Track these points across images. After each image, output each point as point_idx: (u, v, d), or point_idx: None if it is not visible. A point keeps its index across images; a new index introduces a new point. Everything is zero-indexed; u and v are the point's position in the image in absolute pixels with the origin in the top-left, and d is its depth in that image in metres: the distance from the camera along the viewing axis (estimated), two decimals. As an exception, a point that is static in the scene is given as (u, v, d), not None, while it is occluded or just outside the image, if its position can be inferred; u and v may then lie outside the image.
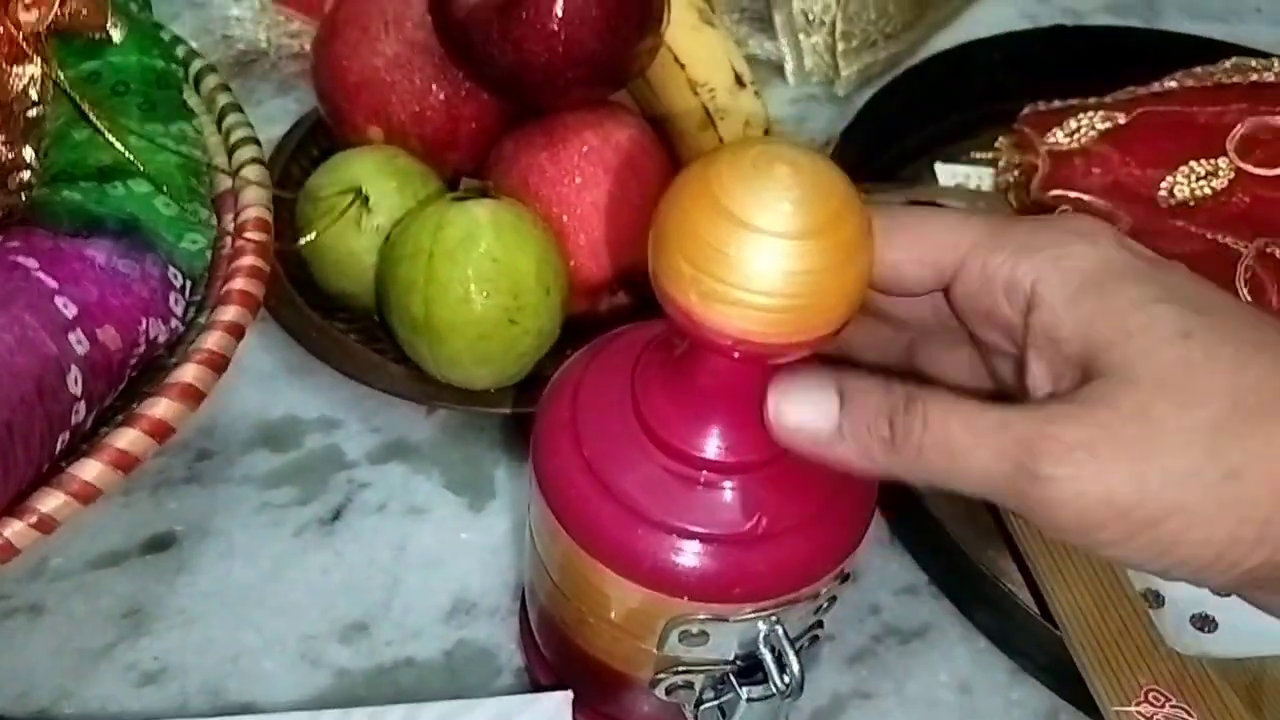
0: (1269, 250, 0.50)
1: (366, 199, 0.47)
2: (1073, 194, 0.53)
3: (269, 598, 0.44)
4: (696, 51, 0.52)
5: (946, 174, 0.61)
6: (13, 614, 0.43)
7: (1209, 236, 0.50)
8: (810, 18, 0.69)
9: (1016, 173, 0.58)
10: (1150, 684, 0.40)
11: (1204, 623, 0.44)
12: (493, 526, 0.48)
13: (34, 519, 0.31)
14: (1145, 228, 0.51)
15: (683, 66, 0.52)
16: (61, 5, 0.33)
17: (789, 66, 0.70)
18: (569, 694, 0.37)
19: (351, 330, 0.51)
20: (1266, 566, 0.25)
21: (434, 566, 0.46)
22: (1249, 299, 0.50)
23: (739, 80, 0.52)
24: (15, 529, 0.31)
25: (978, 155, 0.61)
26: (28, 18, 0.32)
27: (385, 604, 0.45)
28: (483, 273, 0.44)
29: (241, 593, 0.44)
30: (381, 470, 0.49)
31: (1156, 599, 0.44)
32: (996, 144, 0.60)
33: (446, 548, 0.47)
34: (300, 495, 0.48)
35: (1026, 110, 0.59)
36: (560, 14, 0.45)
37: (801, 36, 0.70)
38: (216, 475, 0.48)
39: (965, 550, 0.44)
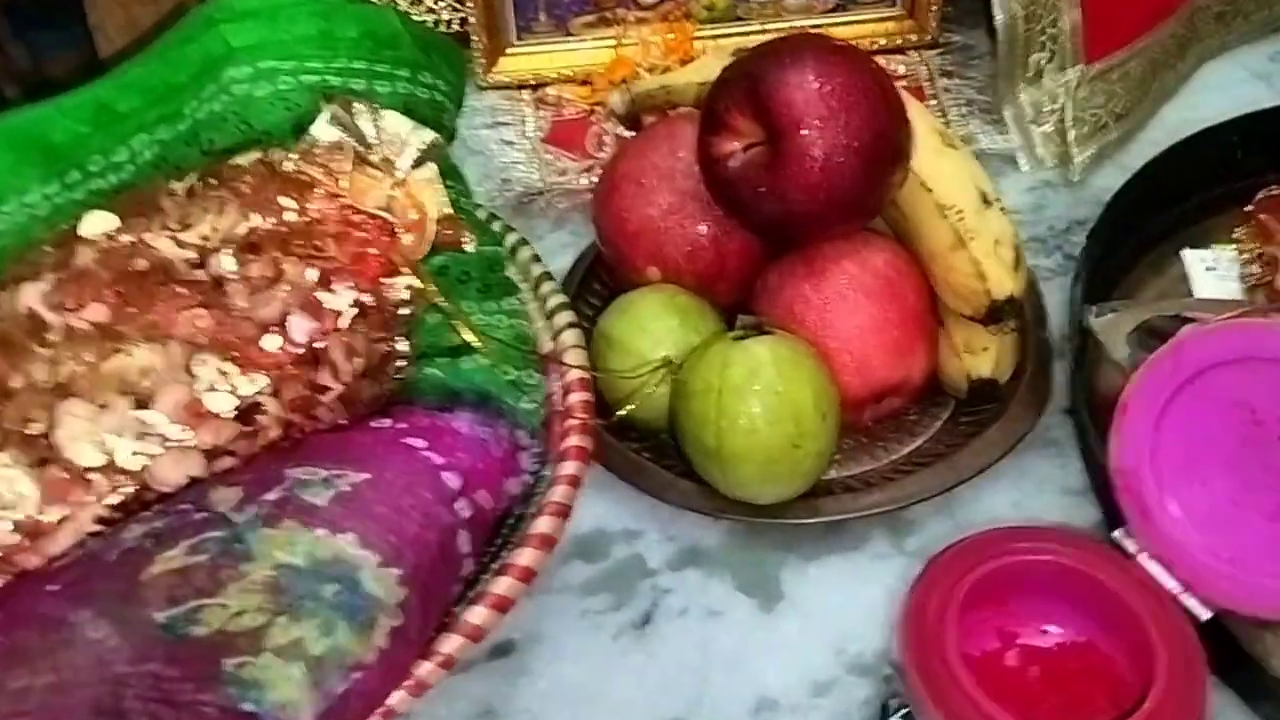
0: None
1: (679, 367, 0.52)
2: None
3: (598, 696, 0.51)
4: (942, 175, 0.56)
5: (1194, 259, 0.62)
6: None
7: None
8: (1039, 108, 0.72)
9: (1258, 265, 0.59)
10: None
11: None
12: (783, 626, 0.53)
13: (440, 659, 0.38)
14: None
15: (930, 191, 0.56)
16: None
17: (1022, 156, 0.73)
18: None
19: (644, 449, 0.57)
20: None
21: (735, 666, 0.52)
22: None
23: (985, 199, 0.56)
24: (426, 669, 0.38)
25: (1218, 246, 0.62)
26: (408, 241, 0.40)
27: (697, 701, 0.51)
28: (767, 406, 0.50)
29: (575, 692, 0.51)
30: (680, 576, 0.55)
31: None
32: (1234, 234, 0.61)
33: (745, 647, 0.52)
34: (614, 601, 0.54)
35: (1261, 195, 0.60)
36: (821, 167, 0.50)
37: (1032, 126, 0.72)
38: (542, 587, 0.55)
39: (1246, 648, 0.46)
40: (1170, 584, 0.44)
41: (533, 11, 0.76)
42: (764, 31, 0.75)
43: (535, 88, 0.78)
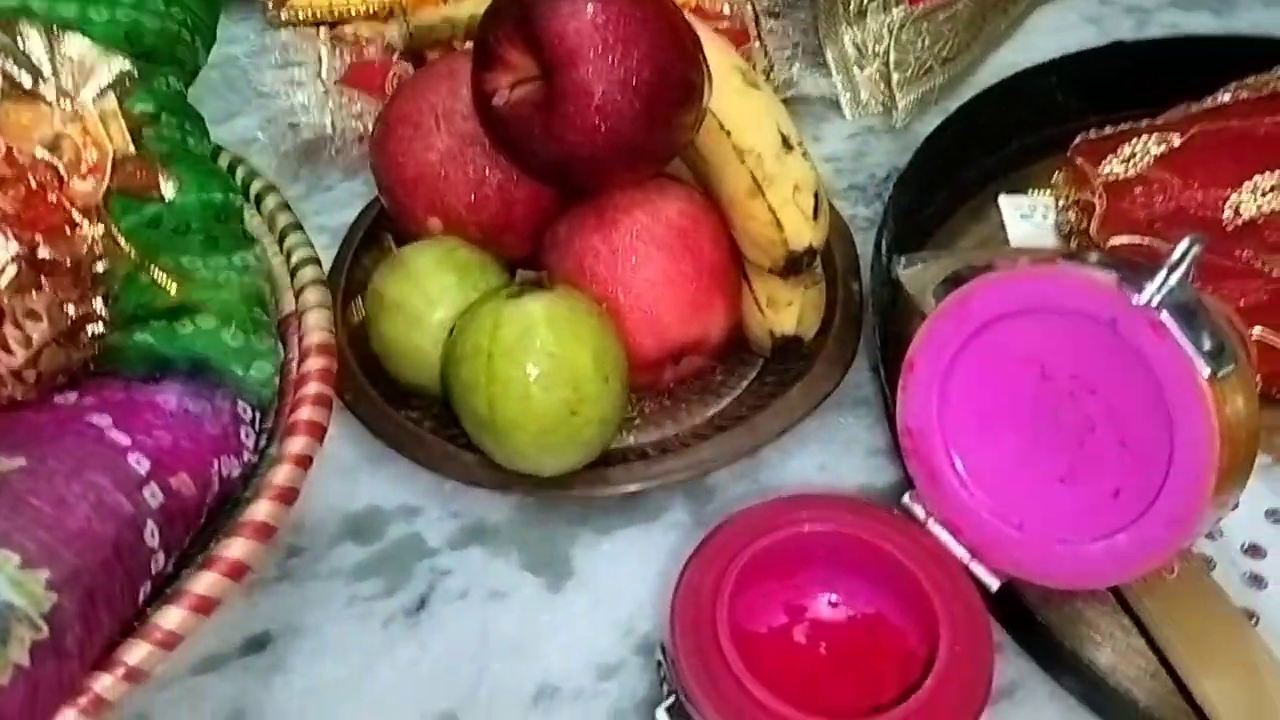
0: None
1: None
2: (1134, 239, 0.52)
3: (362, 692, 0.46)
4: (741, 117, 0.52)
5: (1010, 206, 0.60)
6: (124, 725, 0.45)
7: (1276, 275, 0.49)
8: (863, 50, 0.69)
9: (1075, 212, 0.56)
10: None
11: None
12: (571, 606, 0.49)
13: (122, 671, 0.33)
14: (1213, 261, 0.50)
15: (728, 134, 0.52)
16: (114, 174, 0.35)
17: (844, 100, 0.70)
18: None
19: (425, 418, 0.53)
20: None
21: (517, 652, 0.47)
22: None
23: (786, 143, 0.52)
24: (105, 684, 0.33)
25: (1036, 192, 0.59)
26: (84, 187, 0.34)
27: (472, 693, 0.46)
28: (541, 370, 0.45)
29: (335, 690, 0.46)
30: (462, 555, 0.51)
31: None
32: (1053, 180, 0.59)
33: (528, 631, 0.48)
34: (386, 586, 0.50)
35: (1078, 140, 0.57)
36: (598, 107, 0.46)
37: (855, 70, 0.69)
38: (307, 571, 0.50)
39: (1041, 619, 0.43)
40: (959, 551, 0.41)
41: (324, -60, 0.69)
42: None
43: (332, 25, 0.72)
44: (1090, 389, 0.39)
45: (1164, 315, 0.35)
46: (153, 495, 0.35)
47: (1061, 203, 0.58)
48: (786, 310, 0.53)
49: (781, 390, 0.53)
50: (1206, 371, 0.35)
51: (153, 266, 0.38)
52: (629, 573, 0.50)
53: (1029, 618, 0.42)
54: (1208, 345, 0.35)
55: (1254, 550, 0.45)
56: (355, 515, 0.52)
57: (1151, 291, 0.35)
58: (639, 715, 0.45)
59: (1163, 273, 0.35)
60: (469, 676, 0.47)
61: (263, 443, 0.41)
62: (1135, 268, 0.37)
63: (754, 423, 0.52)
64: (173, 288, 0.38)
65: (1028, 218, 0.59)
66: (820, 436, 0.54)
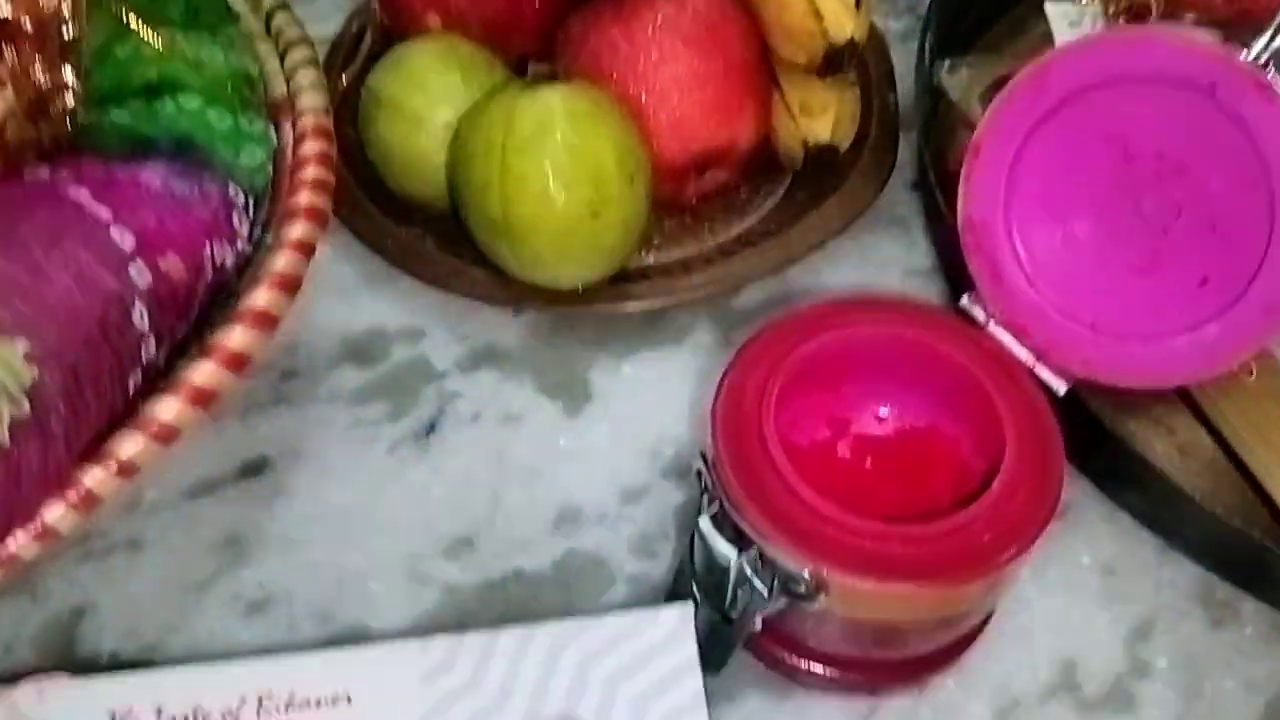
0: None
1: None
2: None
3: (370, 517, 0.43)
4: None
5: (1057, 14, 0.55)
6: (112, 550, 0.42)
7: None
8: None
9: (1127, 18, 0.52)
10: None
11: None
12: (591, 430, 0.46)
13: (115, 465, 0.29)
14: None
15: (761, -83, 0.47)
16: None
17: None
18: (690, 606, 0.35)
19: (429, 234, 0.49)
20: None
21: (535, 476, 0.44)
22: None
23: (824, -72, 0.47)
24: (97, 477, 0.29)
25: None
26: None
27: (489, 517, 0.43)
28: (560, 165, 0.41)
29: (341, 514, 0.43)
30: (472, 378, 0.47)
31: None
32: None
33: (546, 455, 0.45)
34: (392, 410, 0.46)
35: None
36: None
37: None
38: (305, 394, 0.46)
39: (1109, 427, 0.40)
40: (1023, 354, 0.38)
41: None
42: None
43: None
44: (1178, 169, 0.35)
45: (1272, 74, 0.32)
46: (139, 274, 0.31)
47: (1112, 8, 0.54)
48: (821, 117, 0.49)
49: (814, 204, 0.49)
50: (1318, 136, 0.31)
51: (130, 20, 0.34)
52: (652, 396, 0.46)
53: (1096, 424, 0.39)
54: (1319, 109, 0.32)
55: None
56: (355, 337, 0.48)
57: (1260, 48, 0.32)
58: (667, 538, 0.43)
59: (1272, 28, 0.32)
60: (484, 501, 0.44)
61: (258, 234, 0.37)
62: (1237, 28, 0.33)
63: (786, 236, 0.48)
64: (157, 42, 0.33)
65: (1076, 25, 0.55)
66: (854, 257, 0.51)
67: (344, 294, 0.49)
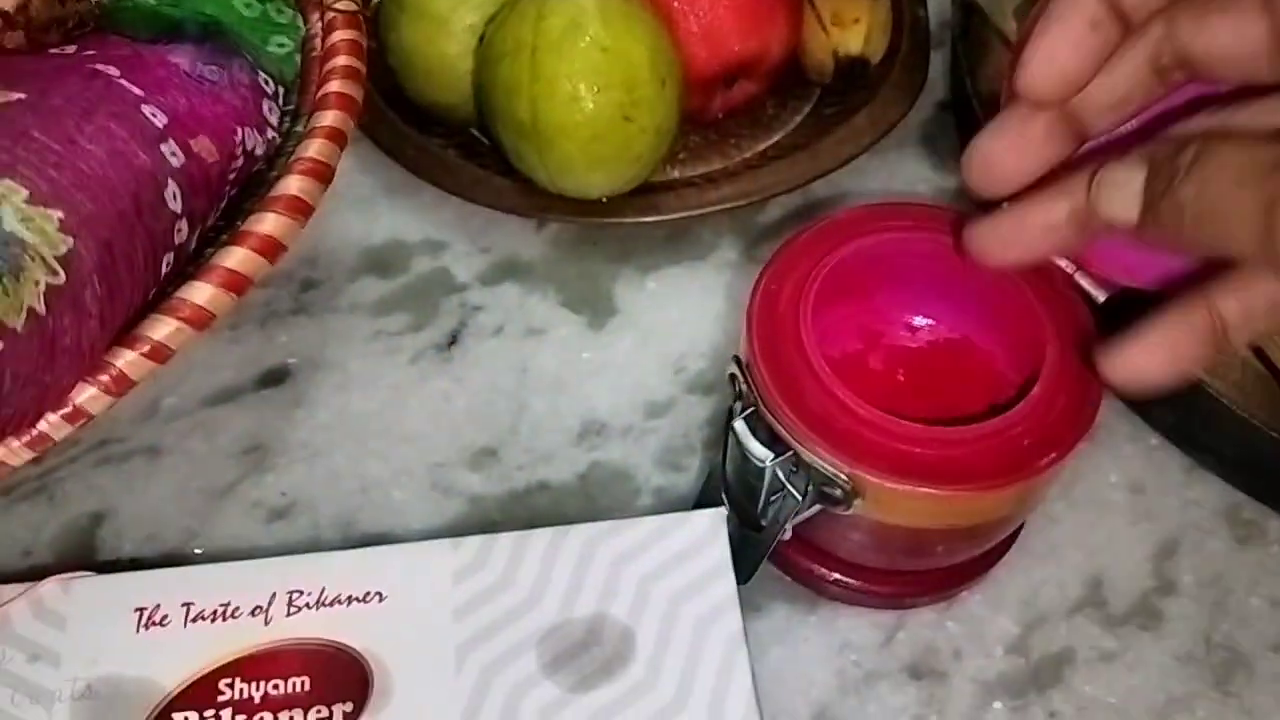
0: None
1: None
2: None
3: (392, 427, 0.43)
4: None
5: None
6: (130, 456, 0.41)
7: None
8: None
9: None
10: None
11: None
12: (615, 344, 0.45)
13: (146, 348, 0.28)
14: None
15: None
16: None
17: None
18: (723, 510, 0.35)
19: (451, 145, 0.48)
20: None
21: (559, 388, 0.44)
22: None
23: None
24: (128, 359, 0.28)
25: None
26: None
27: (512, 428, 0.43)
28: (592, 66, 0.40)
29: (363, 423, 0.43)
30: (495, 291, 0.46)
31: None
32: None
33: (569, 368, 0.44)
34: (413, 321, 0.45)
35: None
36: None
37: None
38: (324, 305, 0.46)
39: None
40: (1063, 261, 0.37)
41: None
42: None
43: None
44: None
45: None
46: (172, 154, 0.30)
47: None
48: (853, 28, 0.48)
49: (843, 120, 0.48)
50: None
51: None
52: (678, 311, 0.46)
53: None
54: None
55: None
56: (375, 248, 0.47)
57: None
58: (692, 451, 0.42)
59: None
60: (508, 412, 0.43)
61: (288, 124, 0.36)
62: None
63: (814, 150, 0.47)
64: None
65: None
66: (882, 175, 0.50)
67: (364, 204, 0.48)
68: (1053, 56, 0.25)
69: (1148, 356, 0.27)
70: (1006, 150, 0.28)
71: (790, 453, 0.33)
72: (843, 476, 0.33)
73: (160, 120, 0.31)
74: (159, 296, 0.30)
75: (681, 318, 0.46)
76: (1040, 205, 0.29)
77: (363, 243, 0.47)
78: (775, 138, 0.50)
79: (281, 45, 0.36)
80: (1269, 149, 0.22)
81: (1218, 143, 0.23)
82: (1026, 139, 0.28)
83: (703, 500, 0.38)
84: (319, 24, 0.38)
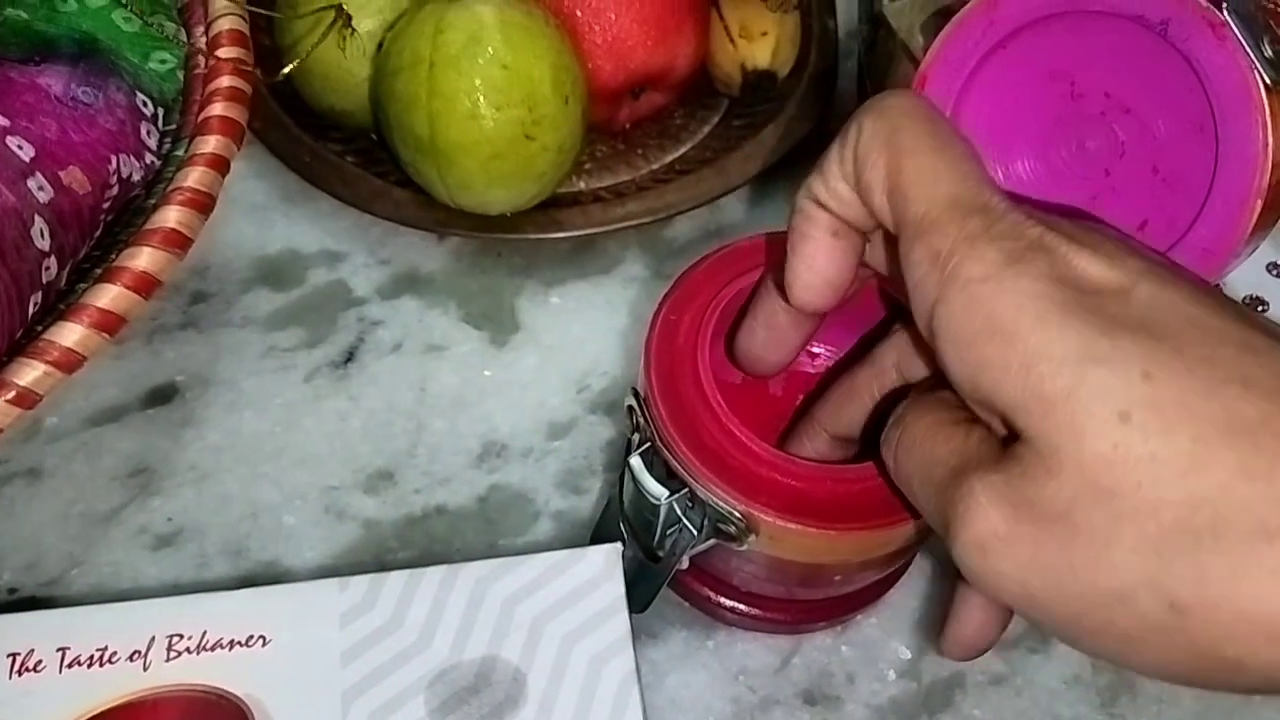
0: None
1: (349, 18, 0.42)
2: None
3: (285, 449, 0.41)
4: None
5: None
6: (10, 479, 0.40)
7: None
8: None
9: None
10: None
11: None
12: (518, 361, 0.44)
13: (12, 394, 0.27)
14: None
15: None
16: None
17: None
18: (618, 546, 0.34)
19: (348, 151, 0.46)
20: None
21: (459, 407, 0.43)
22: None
23: None
24: (-10, 405, 0.27)
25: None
26: None
27: (410, 450, 0.42)
28: (492, 83, 0.39)
29: (255, 445, 0.41)
30: (394, 305, 0.45)
31: None
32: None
33: (470, 387, 0.44)
34: (308, 337, 0.44)
35: None
36: None
37: None
38: (215, 319, 0.44)
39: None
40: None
41: None
42: None
43: None
44: (1125, 108, 0.34)
45: (1227, 14, 0.31)
46: (40, 188, 0.29)
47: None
48: (761, 41, 0.47)
49: (752, 133, 0.48)
50: (1267, 80, 0.31)
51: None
52: (581, 328, 0.45)
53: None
54: (1269, 53, 0.31)
55: (1257, 302, 0.42)
56: (269, 259, 0.46)
57: (1214, -12, 0.31)
58: (594, 474, 0.42)
59: (1226, -32, 0.31)
60: (406, 433, 0.42)
61: (168, 147, 0.34)
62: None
63: (723, 164, 0.47)
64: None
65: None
66: (790, 188, 0.50)
67: (258, 213, 0.47)
68: (811, 265, 0.28)
69: (973, 628, 0.29)
70: (765, 346, 0.33)
71: (685, 489, 0.33)
72: (737, 514, 0.32)
73: (27, 153, 0.29)
74: (28, 336, 0.29)
75: (586, 334, 0.45)
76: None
77: (256, 253, 0.46)
78: (684, 149, 0.49)
79: (163, 61, 0.34)
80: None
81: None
82: (778, 332, 0.32)
83: (600, 530, 0.38)
84: (203, 39, 0.36)
